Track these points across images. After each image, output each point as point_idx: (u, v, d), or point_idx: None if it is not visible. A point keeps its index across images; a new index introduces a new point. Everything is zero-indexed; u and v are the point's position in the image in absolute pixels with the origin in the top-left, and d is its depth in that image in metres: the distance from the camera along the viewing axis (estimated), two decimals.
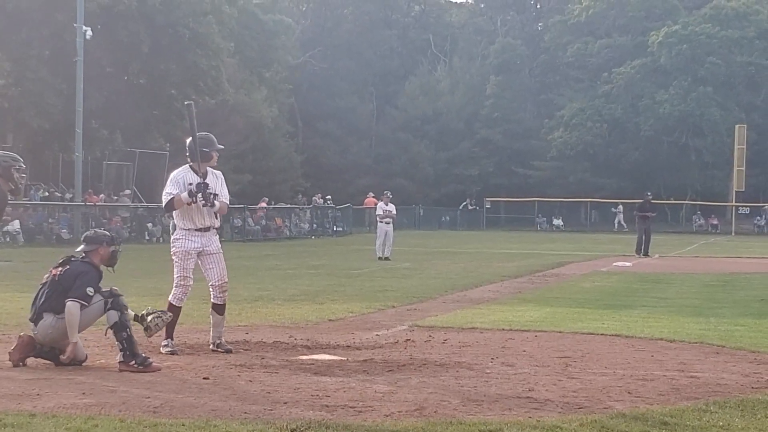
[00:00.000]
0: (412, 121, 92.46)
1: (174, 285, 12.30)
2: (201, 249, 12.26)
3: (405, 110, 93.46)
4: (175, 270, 12.30)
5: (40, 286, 11.15)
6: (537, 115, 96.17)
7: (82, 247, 11.37)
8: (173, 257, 12.34)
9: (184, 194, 12.01)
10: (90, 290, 10.87)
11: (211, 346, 12.42)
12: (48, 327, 10.88)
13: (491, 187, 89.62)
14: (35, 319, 10.98)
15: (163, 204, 12.23)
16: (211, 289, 12.45)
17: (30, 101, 48.81)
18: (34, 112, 48.82)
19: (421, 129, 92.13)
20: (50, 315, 10.90)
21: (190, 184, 12.08)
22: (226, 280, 12.45)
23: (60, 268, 11.07)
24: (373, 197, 70.82)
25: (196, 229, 12.25)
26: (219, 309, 12.42)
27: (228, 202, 12.53)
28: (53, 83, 49.58)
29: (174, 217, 12.46)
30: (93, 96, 49.52)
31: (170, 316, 11.87)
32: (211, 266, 12.35)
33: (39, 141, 52.49)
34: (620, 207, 79.19)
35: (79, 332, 10.92)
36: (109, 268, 11.50)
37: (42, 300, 10.98)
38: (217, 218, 12.42)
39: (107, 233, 11.78)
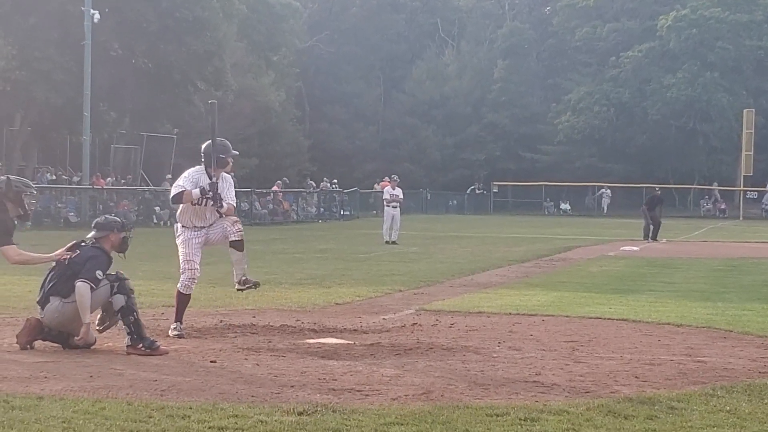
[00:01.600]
0: (419, 105, 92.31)
1: (180, 271, 12.31)
2: (204, 237, 12.28)
3: (412, 95, 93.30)
4: (180, 255, 12.30)
5: (49, 270, 11.16)
6: (544, 99, 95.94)
7: (93, 233, 11.37)
8: (178, 244, 12.37)
9: (195, 190, 12.04)
10: (99, 273, 10.88)
11: (236, 286, 12.47)
12: (54, 311, 10.89)
13: (498, 172, 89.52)
14: (42, 302, 11.00)
15: (171, 195, 12.24)
16: (229, 235, 12.32)
17: (39, 76, 48.72)
18: (43, 87, 48.73)
19: (429, 114, 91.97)
20: (57, 299, 10.91)
21: (201, 186, 12.10)
22: (234, 218, 12.41)
23: (70, 253, 11.07)
24: (387, 181, 70.90)
25: (196, 227, 12.28)
26: (238, 245, 12.37)
27: (234, 205, 12.54)
28: (61, 62, 49.51)
29: (177, 211, 12.43)
30: (100, 79, 49.48)
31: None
32: (214, 229, 12.33)
33: (47, 124, 52.46)
34: (608, 190, 79.56)
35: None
36: (120, 254, 11.51)
37: (50, 284, 11.00)
38: (217, 218, 12.44)
39: (118, 219, 11.78)
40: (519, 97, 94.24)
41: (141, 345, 10.69)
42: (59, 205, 45.90)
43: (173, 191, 12.20)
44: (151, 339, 10.88)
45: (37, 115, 51.71)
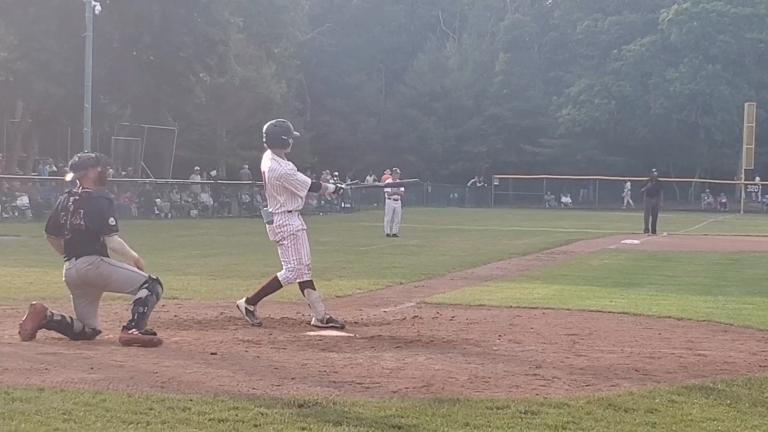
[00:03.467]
0: (420, 97, 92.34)
1: (290, 268, 12.38)
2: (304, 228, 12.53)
3: (413, 87, 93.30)
4: (291, 252, 12.37)
5: (69, 233, 11.11)
6: (546, 92, 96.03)
7: (71, 175, 11.37)
8: (285, 241, 12.38)
9: (331, 185, 12.77)
10: (111, 220, 11.05)
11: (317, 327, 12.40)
12: (90, 262, 10.96)
13: (500, 165, 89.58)
14: (76, 254, 11.03)
15: (308, 186, 12.42)
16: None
17: (39, 67, 48.69)
18: (43, 78, 48.70)
19: (430, 106, 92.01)
20: (95, 256, 11.01)
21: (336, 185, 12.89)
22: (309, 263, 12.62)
23: (81, 210, 11.07)
24: (389, 174, 70.85)
25: (297, 210, 12.45)
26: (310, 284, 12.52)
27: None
28: (60, 52, 49.47)
29: (277, 200, 12.41)
30: (102, 70, 49.44)
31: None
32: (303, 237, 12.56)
33: (47, 115, 52.43)
34: (628, 184, 79.19)
35: (104, 291, 11.21)
36: (101, 187, 11.52)
37: (79, 245, 11.03)
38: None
39: (92, 154, 11.76)
40: (520, 90, 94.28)
41: (135, 330, 10.72)
42: (60, 197, 45.91)
43: (304, 182, 12.42)
44: (149, 329, 10.90)
45: (38, 106, 51.68)
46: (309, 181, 12.56)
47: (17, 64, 48.72)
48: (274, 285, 12.51)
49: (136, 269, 11.10)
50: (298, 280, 12.37)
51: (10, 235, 31.07)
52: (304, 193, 12.44)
